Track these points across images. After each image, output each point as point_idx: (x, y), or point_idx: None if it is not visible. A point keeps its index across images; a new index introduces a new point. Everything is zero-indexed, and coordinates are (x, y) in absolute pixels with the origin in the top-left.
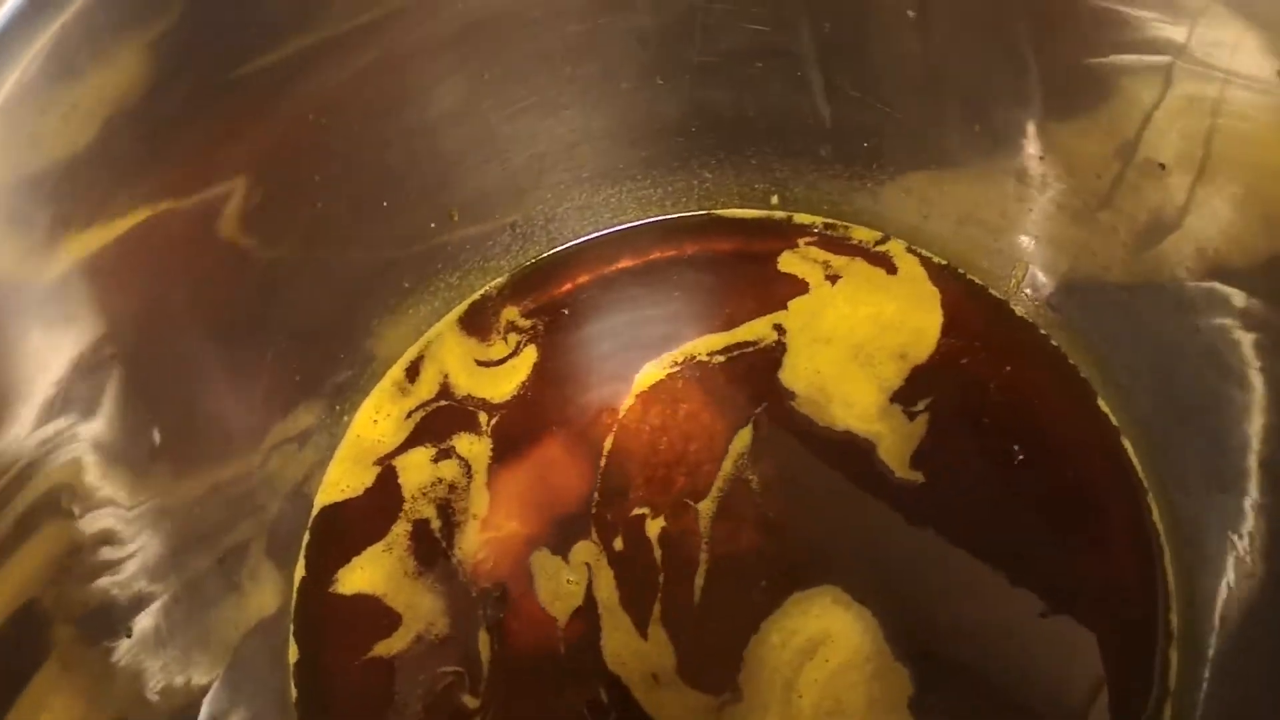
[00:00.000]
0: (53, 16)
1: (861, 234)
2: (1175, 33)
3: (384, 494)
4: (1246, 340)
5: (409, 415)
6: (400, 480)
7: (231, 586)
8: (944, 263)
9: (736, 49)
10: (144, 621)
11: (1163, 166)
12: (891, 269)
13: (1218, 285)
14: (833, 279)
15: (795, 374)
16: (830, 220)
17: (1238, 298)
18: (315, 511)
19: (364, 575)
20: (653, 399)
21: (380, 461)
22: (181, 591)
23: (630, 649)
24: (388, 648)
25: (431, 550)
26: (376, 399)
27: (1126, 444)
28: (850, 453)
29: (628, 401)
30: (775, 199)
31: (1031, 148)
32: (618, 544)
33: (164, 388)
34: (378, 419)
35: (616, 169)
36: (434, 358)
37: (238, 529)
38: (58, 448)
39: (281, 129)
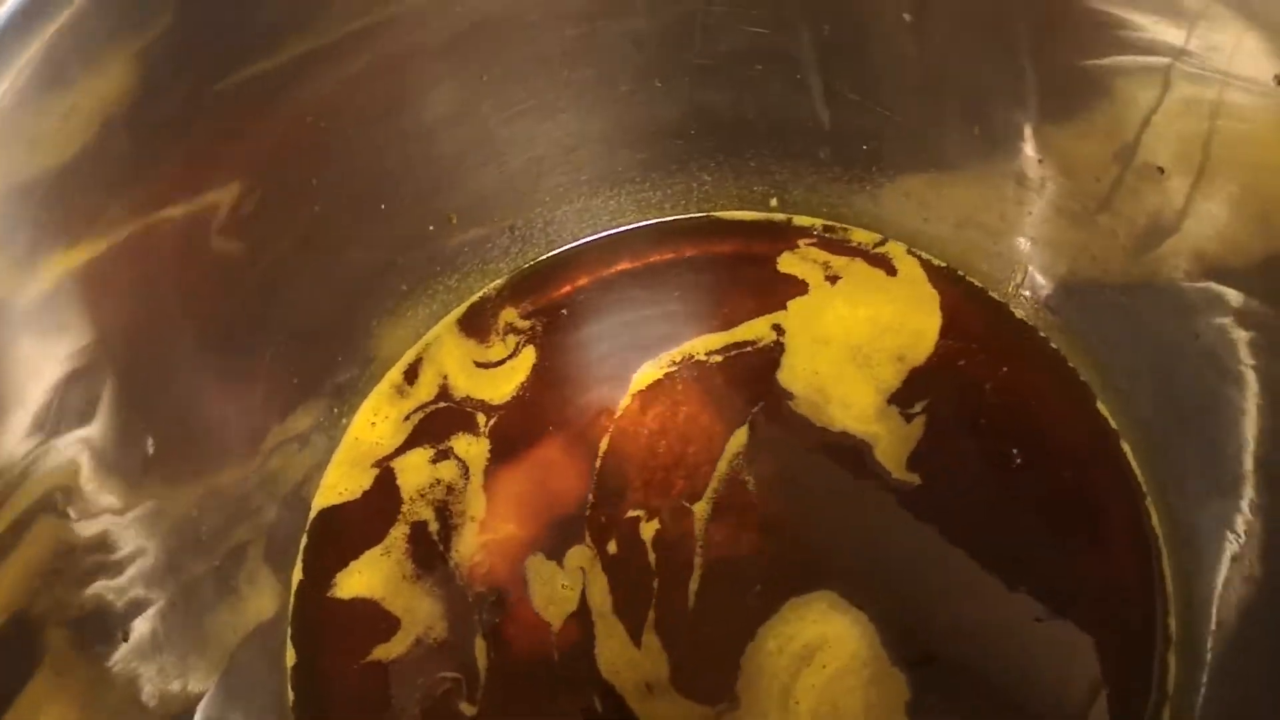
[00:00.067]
0: (46, 23)
1: (861, 236)
2: (1173, 35)
3: (382, 496)
4: (1245, 342)
5: (407, 417)
6: (399, 482)
7: (229, 591)
8: (943, 265)
9: (735, 51)
10: (140, 626)
11: (1161, 170)
12: (891, 270)
13: (1216, 287)
14: (832, 279)
15: (793, 374)
16: (830, 223)
17: (1236, 300)
18: (313, 515)
19: (362, 579)
20: (650, 399)
21: (378, 464)
22: (178, 596)
23: (624, 657)
24: (386, 652)
25: (429, 553)
26: (375, 401)
27: (1125, 447)
28: (847, 454)
29: (625, 401)
30: (774, 201)
31: (1030, 151)
32: (612, 548)
33: (160, 393)
34: (376, 421)
35: (615, 172)
36: (433, 359)
37: (235, 533)
38: (52, 454)
39: (279, 132)
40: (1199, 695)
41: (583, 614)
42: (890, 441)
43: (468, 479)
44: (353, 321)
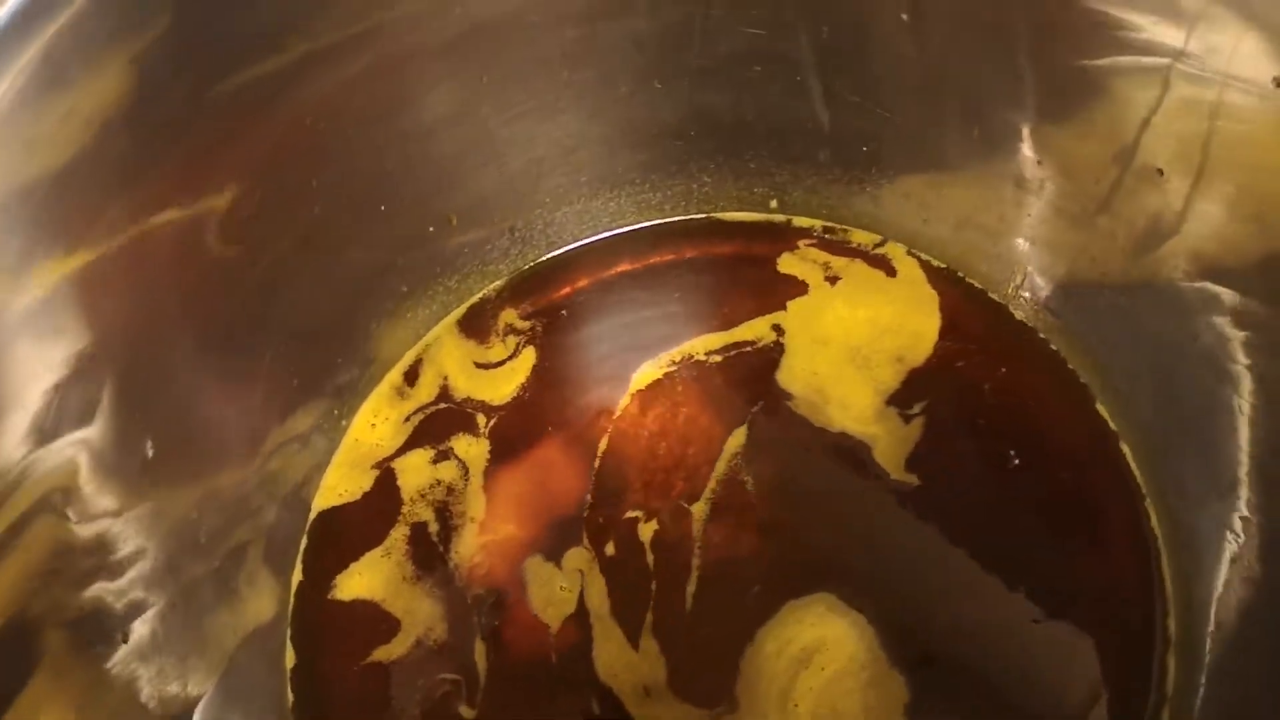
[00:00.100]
0: (46, 24)
1: (861, 237)
2: (1172, 37)
3: (382, 498)
4: (1244, 343)
5: (407, 418)
6: (399, 482)
7: (228, 592)
8: (943, 266)
9: (735, 53)
10: (140, 628)
11: (1160, 171)
12: (891, 271)
13: (1215, 289)
14: (832, 280)
15: (792, 375)
16: (829, 224)
17: (1235, 301)
18: (313, 516)
19: (362, 581)
20: (649, 399)
21: (378, 465)
22: (177, 597)
23: (622, 660)
24: (386, 653)
25: (429, 554)
26: (374, 403)
27: (1125, 448)
28: (846, 454)
29: (624, 402)
30: (774, 203)
31: (1029, 152)
32: (609, 549)
33: (159, 395)
34: (376, 422)
35: (615, 173)
36: (433, 360)
37: (234, 535)
38: (50, 456)
39: (278, 134)
40: (1198, 696)
41: (581, 616)
42: (889, 442)
43: (467, 480)
44: (352, 323)
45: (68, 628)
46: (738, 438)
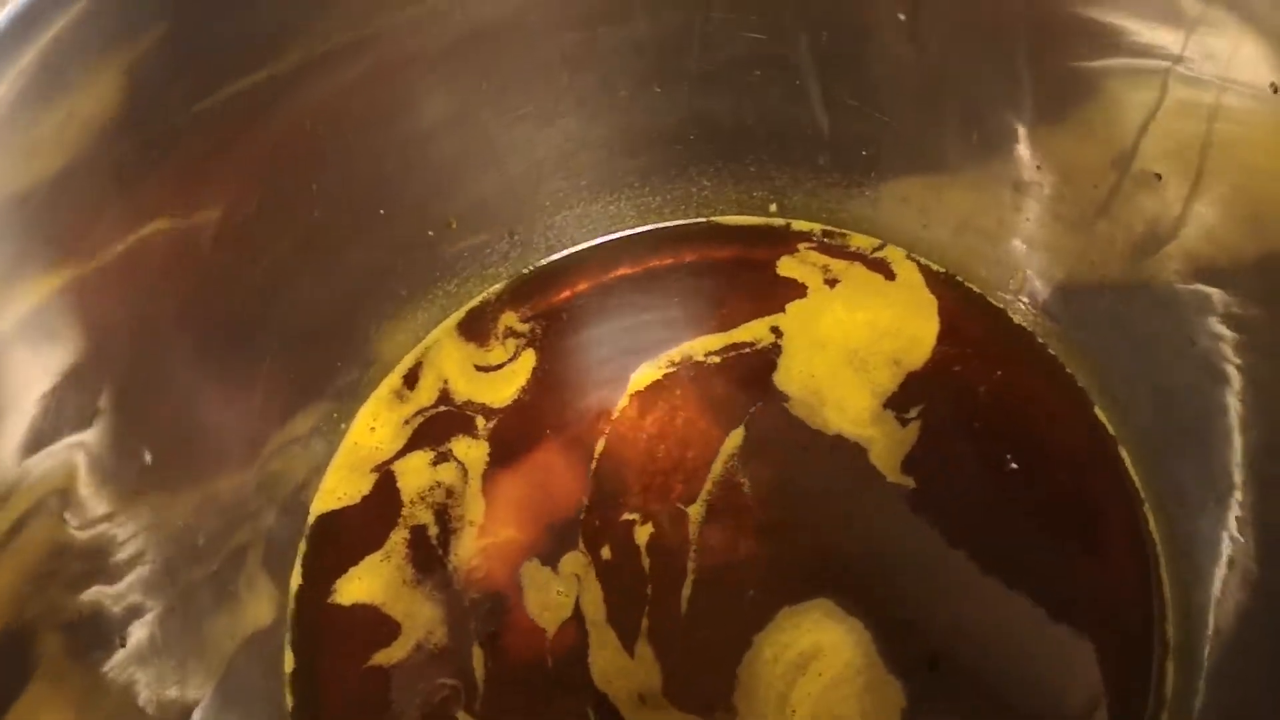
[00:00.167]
0: (44, 30)
1: (860, 241)
2: (1170, 41)
3: (381, 501)
4: (1242, 348)
5: (406, 421)
6: (399, 485)
7: (227, 596)
8: (942, 270)
9: (735, 58)
10: (138, 632)
11: (1159, 176)
12: (890, 275)
13: (1213, 294)
14: (831, 283)
15: (790, 376)
16: (829, 228)
17: (1233, 306)
18: (311, 520)
19: (362, 585)
20: (647, 399)
21: (378, 469)
22: (176, 601)
23: (617, 666)
24: (385, 657)
25: (429, 558)
26: (374, 406)
27: (1123, 453)
28: (842, 457)
29: (622, 402)
30: (774, 207)
31: (1028, 157)
32: (605, 553)
33: (157, 399)
34: (375, 426)
35: (615, 177)
36: (433, 364)
37: (233, 539)
38: (48, 460)
39: (277, 139)
40: (1197, 701)
41: (577, 621)
42: (885, 445)
43: (467, 482)
44: (352, 326)
45: (65, 631)
46: (735, 439)
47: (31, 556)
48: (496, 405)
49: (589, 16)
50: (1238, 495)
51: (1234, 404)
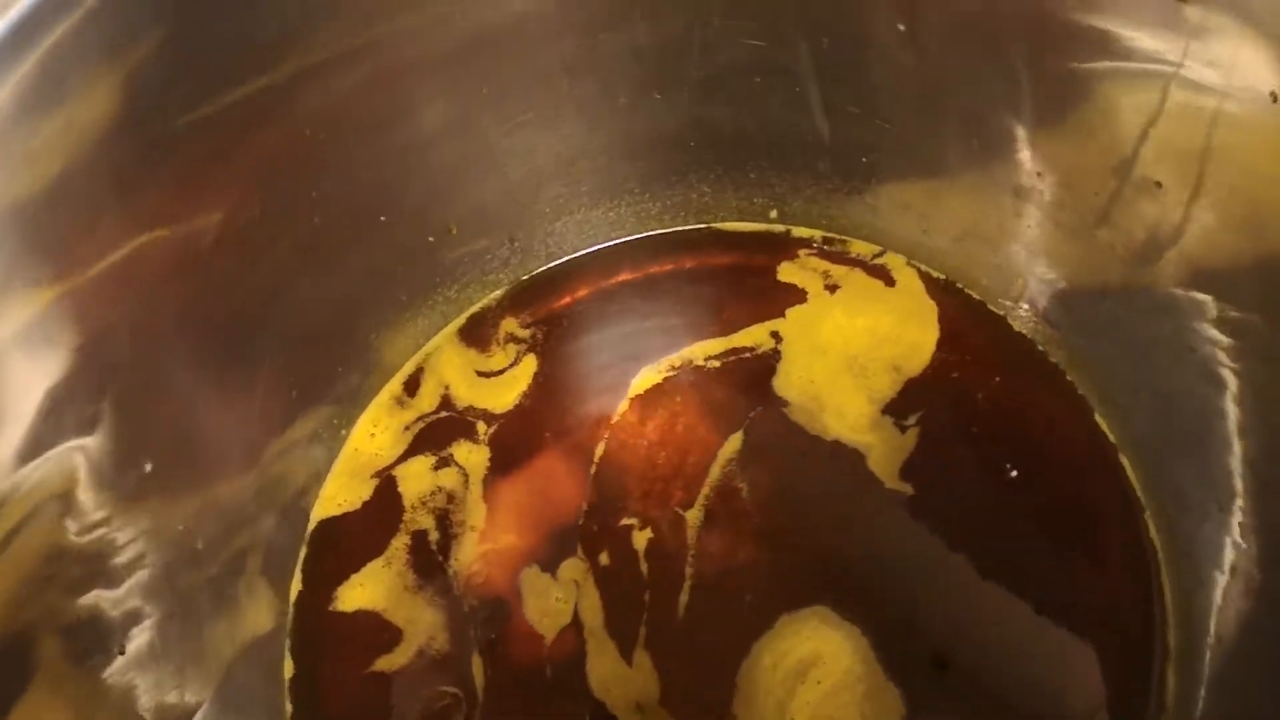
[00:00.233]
0: (43, 37)
1: (860, 248)
2: (1171, 49)
3: (382, 507)
4: (1241, 355)
5: (407, 427)
6: (400, 489)
7: (226, 602)
8: (942, 277)
9: (735, 65)
10: (137, 638)
11: (1159, 184)
12: (890, 281)
13: (1213, 301)
14: (832, 289)
15: (789, 382)
16: (829, 234)
17: (1233, 313)
18: (312, 526)
19: (364, 591)
20: (647, 404)
21: (378, 474)
22: (175, 607)
23: (615, 674)
24: (388, 663)
25: (430, 564)
26: (374, 412)
27: (1124, 460)
28: (840, 463)
29: (622, 407)
30: (774, 213)
31: (1029, 164)
32: (604, 559)
33: (156, 406)
34: (375, 432)
35: (615, 183)
36: (434, 370)
37: (233, 544)
38: (47, 465)
39: (277, 145)
40: (1197, 709)
41: (575, 628)
42: (883, 451)
43: (468, 487)
44: (352, 333)
45: (64, 635)
46: (733, 443)
47: (30, 559)
48: (498, 411)
49: (589, 23)
50: (1238, 501)
51: (1233, 410)
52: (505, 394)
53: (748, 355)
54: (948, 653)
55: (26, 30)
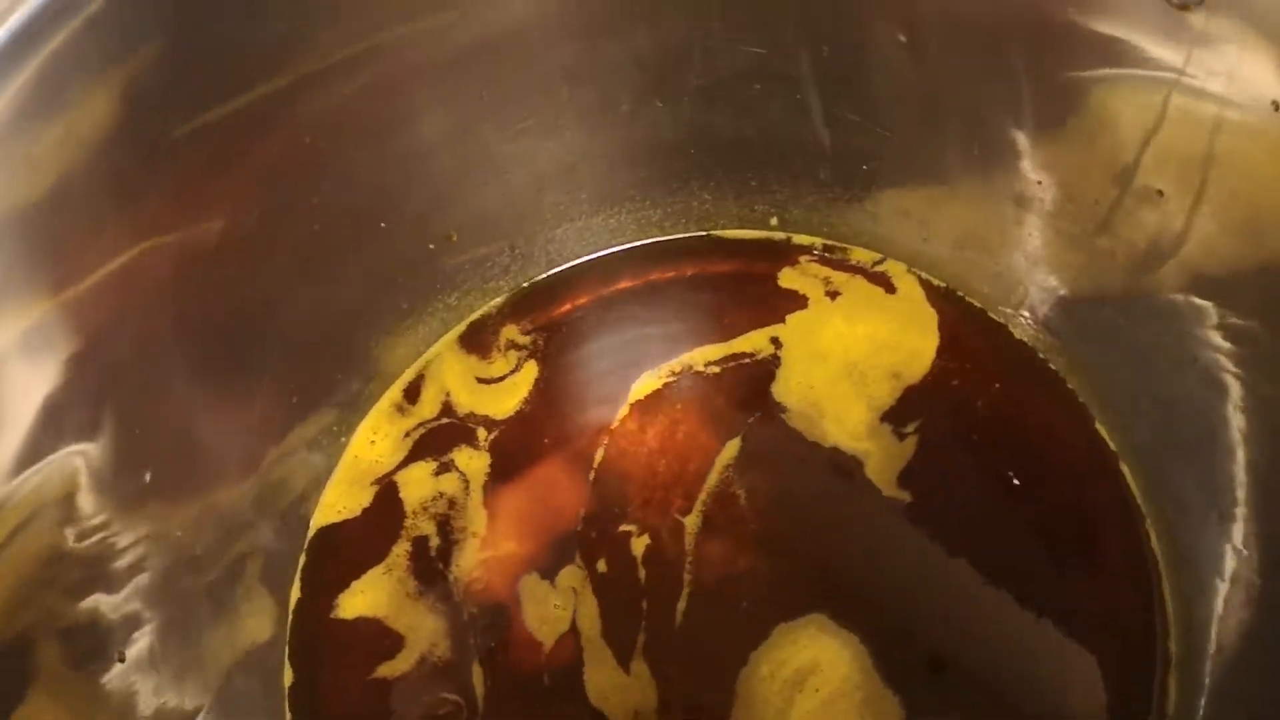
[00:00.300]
0: (43, 45)
1: (860, 255)
2: (1173, 57)
3: (382, 514)
4: (1243, 363)
5: (407, 434)
6: (401, 495)
7: (225, 609)
8: (943, 284)
9: (736, 72)
10: (136, 644)
11: (1160, 192)
12: (890, 289)
13: (1214, 310)
14: (832, 295)
15: (788, 388)
16: (829, 241)
17: (1234, 321)
18: (311, 533)
19: (365, 598)
20: (646, 410)
21: (378, 481)
22: (174, 614)
23: (613, 683)
24: (390, 670)
25: (431, 570)
26: (374, 420)
27: (1124, 468)
28: (838, 470)
29: (622, 412)
30: (775, 220)
31: (1030, 172)
32: (602, 566)
33: (156, 413)
34: (375, 439)
35: (615, 190)
36: (435, 377)
37: (232, 551)
38: (47, 470)
39: (277, 152)
40: (1198, 718)
41: (574, 636)
42: (881, 459)
43: (469, 494)
44: (352, 340)
45: (63, 640)
46: (731, 449)
47: (30, 562)
48: (498, 417)
49: (590, 30)
50: (1240, 509)
51: (1235, 417)
52: (506, 400)
53: (747, 361)
54: (946, 660)
55: (27, 37)
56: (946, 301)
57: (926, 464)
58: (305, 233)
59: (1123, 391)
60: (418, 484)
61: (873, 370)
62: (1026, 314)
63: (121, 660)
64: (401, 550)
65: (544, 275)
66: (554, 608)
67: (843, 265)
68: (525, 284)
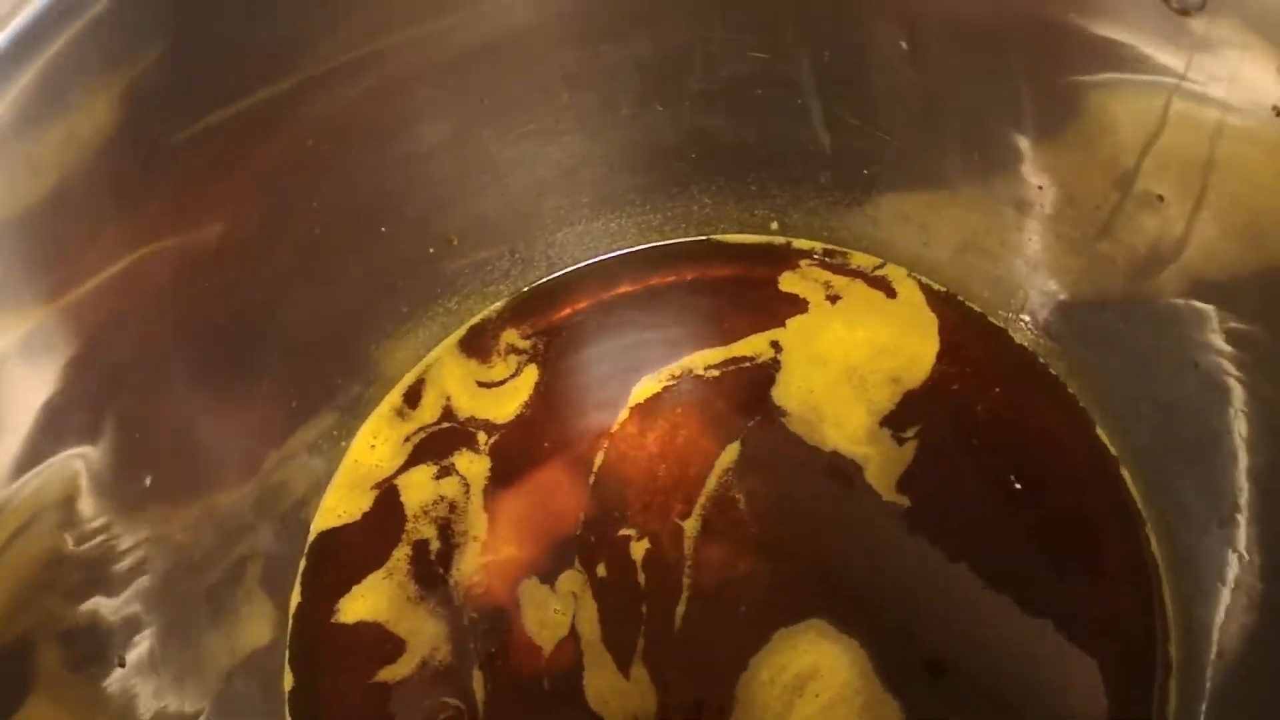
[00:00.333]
0: (44, 47)
1: (860, 260)
2: (1174, 62)
3: (382, 518)
4: (1244, 368)
5: (407, 439)
6: (402, 499)
7: (225, 612)
8: (943, 289)
9: (736, 76)
10: (136, 648)
11: (1161, 197)
12: (891, 293)
13: (1215, 315)
14: (833, 299)
15: (788, 392)
16: (830, 246)
17: (1235, 326)
18: (311, 538)
19: (366, 603)
20: (647, 413)
21: (378, 486)
22: (174, 617)
23: (613, 688)
24: (391, 674)
25: (432, 574)
26: (374, 424)
27: (1125, 473)
28: (838, 474)
29: (621, 415)
30: (775, 225)
31: (1030, 177)
32: (601, 570)
33: (155, 417)
34: (375, 443)
35: (616, 195)
36: (435, 381)
37: (231, 555)
38: (47, 474)
39: (278, 155)
40: None
41: (574, 641)
42: (881, 463)
43: (469, 497)
44: (352, 344)
45: (63, 642)
46: (731, 453)
47: (30, 564)
48: (499, 421)
49: (591, 35)
50: (1241, 514)
51: (1237, 422)
52: (507, 404)
53: (747, 365)
54: (947, 665)
55: (28, 40)
56: (947, 306)
57: (926, 468)
58: (305, 236)
59: (1123, 396)
60: (418, 487)
61: (873, 374)
62: (1027, 318)
63: (121, 665)
64: (402, 554)
65: (544, 279)
66: (554, 612)
67: (843, 269)
68: (525, 288)
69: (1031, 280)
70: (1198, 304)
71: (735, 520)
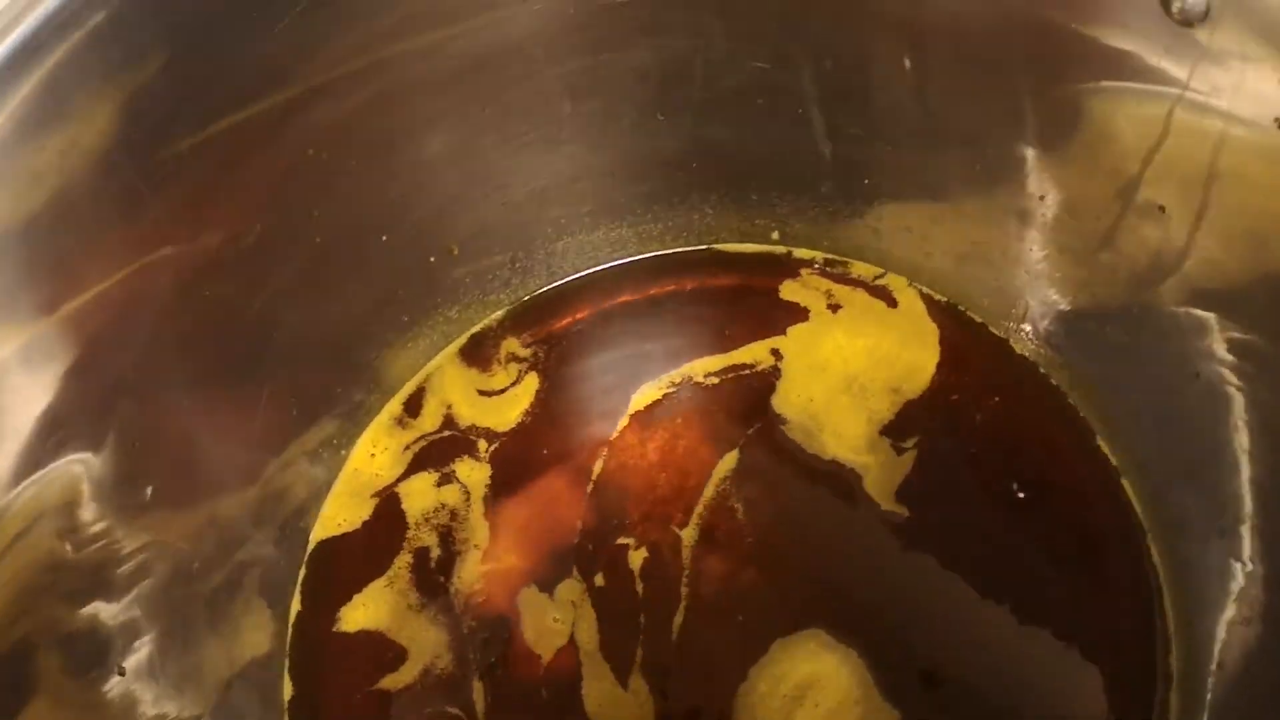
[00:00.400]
0: (45, 57)
1: (861, 270)
2: (1177, 72)
3: (383, 526)
4: (1245, 379)
5: (407, 447)
6: (403, 506)
7: (224, 620)
8: (944, 299)
9: (738, 86)
10: (136, 655)
11: (1163, 208)
12: (892, 302)
13: (1216, 326)
14: (834, 308)
15: (788, 400)
16: (830, 256)
17: (1236, 337)
18: (311, 547)
19: (366, 611)
20: (646, 420)
21: (378, 494)
22: (173, 624)
23: (611, 698)
24: (392, 683)
25: (432, 582)
26: (374, 433)
27: (1126, 484)
28: (837, 483)
29: (621, 423)
30: (776, 234)
31: (1032, 188)
32: (600, 579)
33: (155, 425)
34: (375, 452)
35: (617, 204)
36: (436, 390)
37: (230, 564)
38: (47, 480)
39: (279, 165)
40: None
41: (572, 650)
42: (879, 473)
43: (470, 505)
44: (353, 353)
45: (63, 648)
46: (730, 461)
47: (30, 569)
48: (500, 429)
49: (592, 45)
50: (1242, 525)
51: (1238, 432)
52: (508, 412)
53: (747, 372)
54: (946, 675)
55: (29, 50)
56: (947, 316)
57: (926, 478)
58: (307, 245)
59: (1124, 406)
60: (419, 495)
61: (873, 383)
62: (1028, 329)
63: (121, 674)
64: (403, 562)
65: (545, 288)
66: (553, 621)
67: (844, 279)
68: (526, 297)
69: (1032, 290)
70: (1199, 314)
71: (734, 529)
